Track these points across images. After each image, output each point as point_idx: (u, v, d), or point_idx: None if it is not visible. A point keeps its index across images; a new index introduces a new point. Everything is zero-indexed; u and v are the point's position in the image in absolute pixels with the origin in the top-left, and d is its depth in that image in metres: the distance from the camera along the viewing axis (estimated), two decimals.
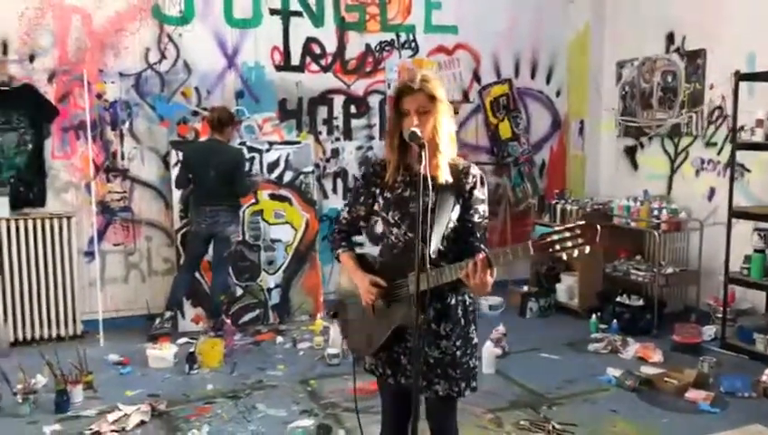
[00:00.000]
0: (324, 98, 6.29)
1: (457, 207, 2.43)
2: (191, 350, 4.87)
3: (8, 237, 5.20)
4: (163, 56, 5.75)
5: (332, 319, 2.94)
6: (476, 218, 2.45)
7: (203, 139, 5.69)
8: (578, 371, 4.82)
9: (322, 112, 6.30)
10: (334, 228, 2.66)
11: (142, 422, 3.92)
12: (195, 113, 5.88)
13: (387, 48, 6.48)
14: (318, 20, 6.20)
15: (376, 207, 2.57)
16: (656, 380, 4.51)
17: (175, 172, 5.68)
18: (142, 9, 5.65)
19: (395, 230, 2.48)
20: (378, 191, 2.52)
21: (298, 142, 6.14)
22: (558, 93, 7.25)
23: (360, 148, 6.47)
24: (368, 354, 2.57)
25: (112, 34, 5.59)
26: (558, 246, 2.12)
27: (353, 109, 6.40)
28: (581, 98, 7.14)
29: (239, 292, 5.86)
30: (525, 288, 6.47)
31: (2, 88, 5.28)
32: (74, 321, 5.46)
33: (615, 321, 5.60)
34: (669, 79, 6.25)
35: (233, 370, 4.83)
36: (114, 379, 4.68)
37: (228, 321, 5.46)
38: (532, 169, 7.15)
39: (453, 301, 2.48)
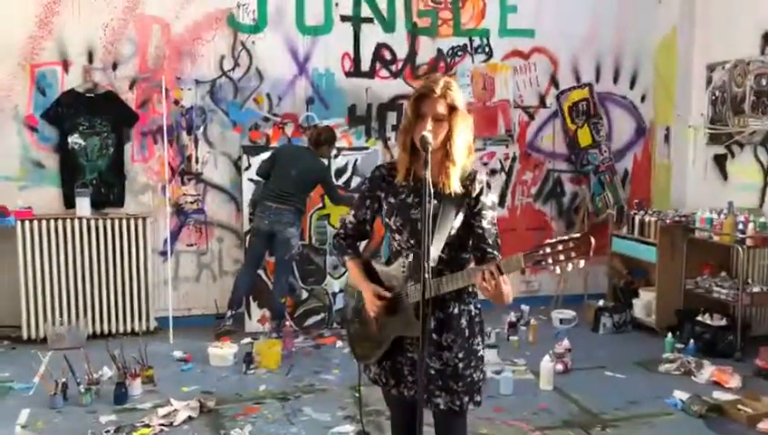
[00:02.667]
0: (393, 104, 6.27)
1: (461, 215, 2.35)
2: (249, 350, 4.98)
3: (88, 236, 5.51)
4: (237, 64, 5.92)
5: (340, 327, 2.91)
6: (486, 224, 2.36)
7: (296, 143, 5.91)
8: (643, 392, 4.54)
9: (392, 118, 6.29)
10: (340, 232, 2.61)
11: (190, 418, 4.04)
12: (266, 119, 6.02)
13: (459, 53, 6.39)
14: (389, 26, 6.20)
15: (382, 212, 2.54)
16: (727, 407, 4.17)
17: (246, 175, 5.83)
18: (218, 18, 5.85)
19: (397, 236, 2.44)
20: (383, 195, 2.48)
21: (366, 148, 6.16)
22: (643, 99, 6.90)
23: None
24: (371, 363, 2.53)
25: (189, 43, 5.82)
26: (550, 259, 2.00)
27: None
28: (668, 103, 6.75)
29: (304, 295, 5.94)
30: (601, 303, 6.18)
31: (87, 95, 5.62)
32: (147, 317, 5.70)
33: (692, 341, 5.24)
34: (764, 82, 5.80)
35: (288, 371, 4.89)
36: (175, 375, 4.85)
37: (288, 323, 5.54)
38: (614, 177, 6.82)
39: (456, 310, 2.39)
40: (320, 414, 4.16)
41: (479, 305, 2.48)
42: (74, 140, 5.66)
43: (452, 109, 2.31)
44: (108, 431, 3.85)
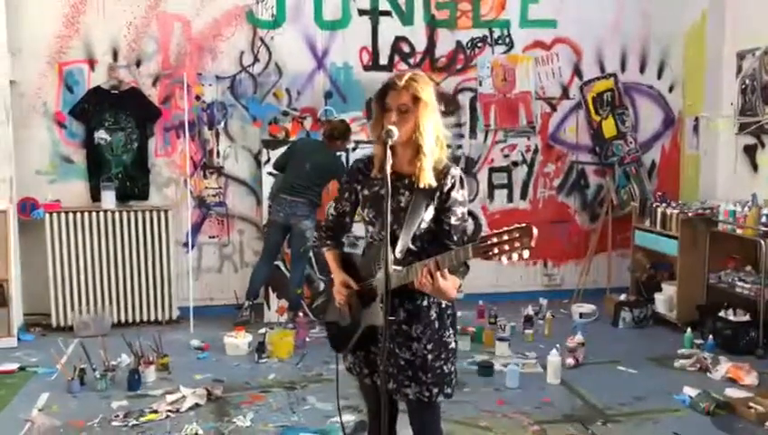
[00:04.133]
0: None
1: (431, 208, 2.38)
2: (261, 340, 5.08)
3: (113, 228, 5.70)
4: (256, 59, 6.03)
5: (317, 317, 2.98)
6: (453, 220, 2.39)
7: (315, 137, 5.96)
8: (653, 388, 4.46)
9: None
10: (322, 225, 2.67)
11: (197, 405, 4.15)
12: (285, 113, 6.11)
13: (479, 45, 6.35)
14: (407, 19, 6.21)
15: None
16: (737, 404, 4.07)
17: (266, 169, 5.93)
18: (237, 15, 5.97)
19: (370, 228, 2.48)
20: (359, 188, 2.53)
21: None
22: (671, 88, 6.72)
23: (448, 146, 6.36)
24: (345, 353, 2.59)
25: (210, 39, 5.95)
26: (496, 250, 2.02)
27: (442, 107, 6.30)
28: (697, 93, 6.56)
29: (322, 286, 6.01)
30: (622, 297, 6.07)
31: (112, 91, 5.81)
32: (170, 307, 5.87)
33: (711, 337, 5.11)
34: None
35: (299, 361, 4.98)
36: (191, 363, 4.98)
37: (302, 314, 5.63)
38: (640, 169, 6.68)
39: (425, 302, 2.42)
40: (323, 404, 4.22)
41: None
42: (100, 135, 5.86)
43: (416, 100, 2.34)
44: (117, 416, 4.00)
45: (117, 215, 5.71)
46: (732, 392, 4.29)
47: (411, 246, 2.38)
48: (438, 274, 2.16)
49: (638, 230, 6.20)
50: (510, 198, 6.57)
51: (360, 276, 2.49)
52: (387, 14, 6.17)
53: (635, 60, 6.63)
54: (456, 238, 2.38)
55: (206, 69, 5.97)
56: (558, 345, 4.76)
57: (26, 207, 5.66)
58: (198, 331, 5.64)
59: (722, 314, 5.30)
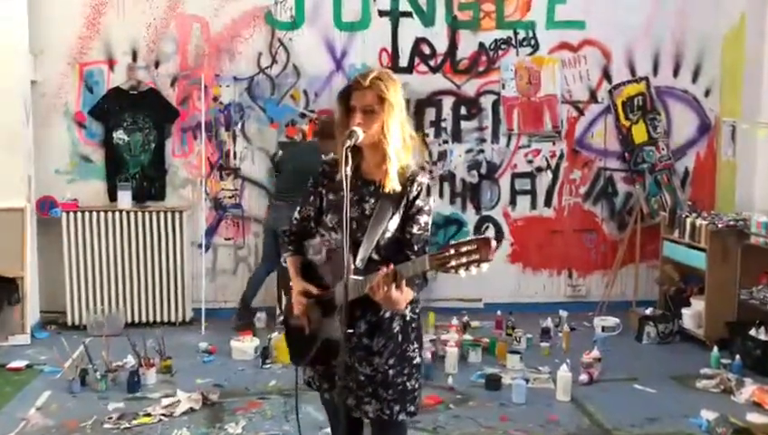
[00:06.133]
0: (432, 99, 6.13)
1: (397, 217, 2.25)
2: (265, 345, 5.01)
3: (128, 228, 5.72)
4: (274, 60, 5.98)
5: (282, 326, 2.87)
6: (416, 230, 2.27)
7: (310, 139, 5.85)
8: (670, 409, 4.21)
9: (430, 114, 6.15)
10: (286, 230, 2.55)
11: (191, 410, 4.10)
12: (302, 115, 6.04)
13: (502, 46, 6.16)
14: (428, 20, 6.06)
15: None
16: (756, 430, 3.80)
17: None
18: (256, 16, 5.92)
19: (333, 235, 2.36)
20: (324, 192, 2.41)
21: None
22: (707, 93, 6.39)
23: (469, 151, 6.23)
24: (303, 365, 2.48)
25: (228, 41, 5.93)
26: (454, 262, 1.88)
27: (463, 110, 6.17)
28: (734, 98, 6.23)
29: None
30: (648, 311, 5.79)
31: (131, 92, 5.83)
32: (183, 308, 5.85)
33: (738, 356, 4.81)
34: None
35: (305, 368, 4.87)
36: (195, 366, 4.94)
37: None
38: (672, 177, 6.37)
39: (388, 314, 2.29)
40: (318, 413, 4.08)
41: (417, 310, 2.38)
42: (119, 135, 5.89)
43: (381, 100, 2.22)
44: (110, 418, 3.98)
45: (133, 215, 5.73)
46: (754, 418, 4.01)
47: (374, 256, 2.25)
48: (394, 284, 2.04)
49: (667, 241, 5.91)
50: (533, 205, 6.35)
51: (323, 285, 2.37)
52: (407, 15, 6.04)
53: (668, 63, 6.32)
54: (416, 248, 2.26)
55: (223, 70, 5.94)
56: (568, 360, 4.54)
57: (45, 205, 5.73)
58: (209, 333, 5.60)
59: (752, 332, 4.99)
